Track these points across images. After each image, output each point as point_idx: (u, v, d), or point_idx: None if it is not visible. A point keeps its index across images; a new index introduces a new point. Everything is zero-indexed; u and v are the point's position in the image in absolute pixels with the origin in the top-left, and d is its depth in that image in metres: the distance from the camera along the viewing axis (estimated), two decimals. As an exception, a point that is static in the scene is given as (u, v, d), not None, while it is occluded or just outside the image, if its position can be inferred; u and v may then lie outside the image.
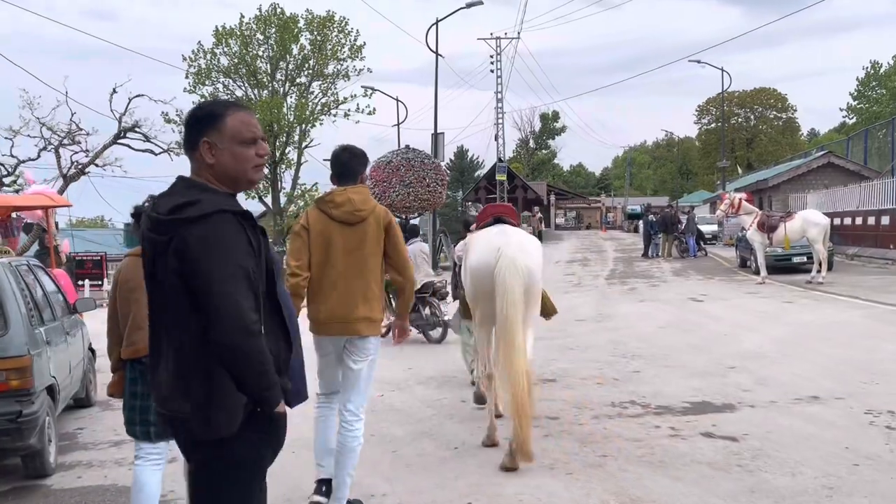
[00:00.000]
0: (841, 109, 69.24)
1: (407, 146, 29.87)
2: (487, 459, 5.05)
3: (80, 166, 26.74)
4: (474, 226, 6.29)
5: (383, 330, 4.65)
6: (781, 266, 18.28)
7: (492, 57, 44.80)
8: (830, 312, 11.73)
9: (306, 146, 40.57)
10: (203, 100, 39.94)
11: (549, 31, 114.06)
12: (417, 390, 7.41)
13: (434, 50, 28.64)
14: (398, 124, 32.54)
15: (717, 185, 63.48)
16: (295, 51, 40.49)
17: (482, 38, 45.54)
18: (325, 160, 56.96)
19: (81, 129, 26.65)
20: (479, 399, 6.23)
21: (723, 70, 32.63)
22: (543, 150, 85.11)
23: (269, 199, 39.74)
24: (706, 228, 30.81)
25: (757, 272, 18.73)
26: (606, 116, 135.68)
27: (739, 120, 74.88)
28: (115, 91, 26.93)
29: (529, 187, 48.13)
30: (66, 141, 26.39)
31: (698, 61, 32.89)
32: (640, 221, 29.79)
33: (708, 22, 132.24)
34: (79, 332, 7.17)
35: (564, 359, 8.71)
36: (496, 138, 44.44)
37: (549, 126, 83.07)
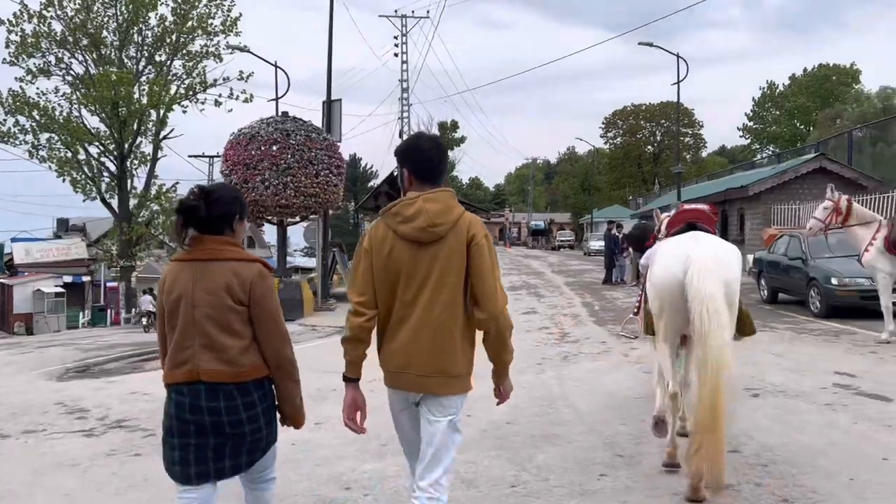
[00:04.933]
0: (738, 129, 70.40)
1: (284, 113, 19.02)
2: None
3: None
4: (662, 234, 5.72)
5: None
6: (859, 306, 12.02)
7: (396, 38, 38.16)
8: None
9: (165, 137, 32.32)
10: (28, 75, 31.33)
11: (442, 50, 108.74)
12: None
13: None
14: (277, 98, 23.77)
15: (631, 201, 59.38)
16: (153, 21, 32.39)
17: (385, 15, 38.76)
18: (190, 156, 48.05)
19: None
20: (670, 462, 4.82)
21: (678, 56, 27.15)
22: (441, 161, 79.06)
23: (115, 203, 31.20)
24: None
25: (826, 315, 12.51)
26: (502, 133, 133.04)
27: (646, 134, 71.82)
28: None
29: (436, 196, 41.40)
30: None
31: (650, 44, 27.20)
32: (603, 238, 23.44)
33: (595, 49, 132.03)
34: None
35: None
36: (401, 134, 37.65)
37: (448, 136, 77.14)
